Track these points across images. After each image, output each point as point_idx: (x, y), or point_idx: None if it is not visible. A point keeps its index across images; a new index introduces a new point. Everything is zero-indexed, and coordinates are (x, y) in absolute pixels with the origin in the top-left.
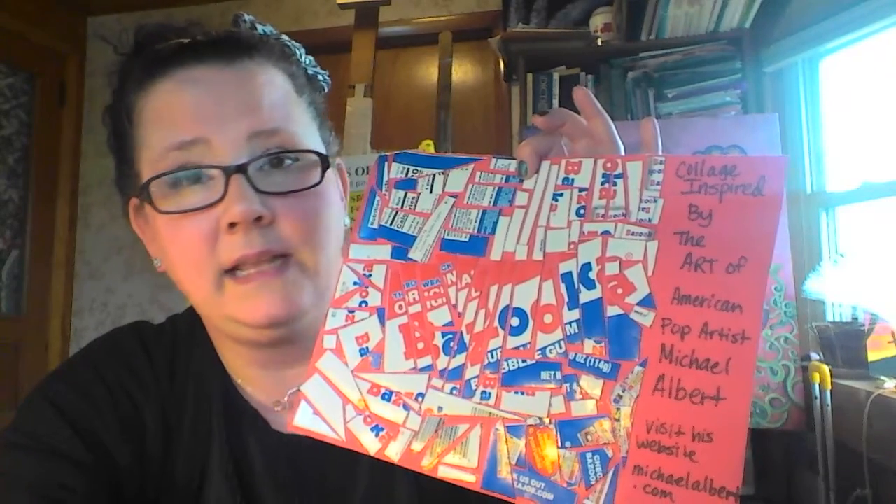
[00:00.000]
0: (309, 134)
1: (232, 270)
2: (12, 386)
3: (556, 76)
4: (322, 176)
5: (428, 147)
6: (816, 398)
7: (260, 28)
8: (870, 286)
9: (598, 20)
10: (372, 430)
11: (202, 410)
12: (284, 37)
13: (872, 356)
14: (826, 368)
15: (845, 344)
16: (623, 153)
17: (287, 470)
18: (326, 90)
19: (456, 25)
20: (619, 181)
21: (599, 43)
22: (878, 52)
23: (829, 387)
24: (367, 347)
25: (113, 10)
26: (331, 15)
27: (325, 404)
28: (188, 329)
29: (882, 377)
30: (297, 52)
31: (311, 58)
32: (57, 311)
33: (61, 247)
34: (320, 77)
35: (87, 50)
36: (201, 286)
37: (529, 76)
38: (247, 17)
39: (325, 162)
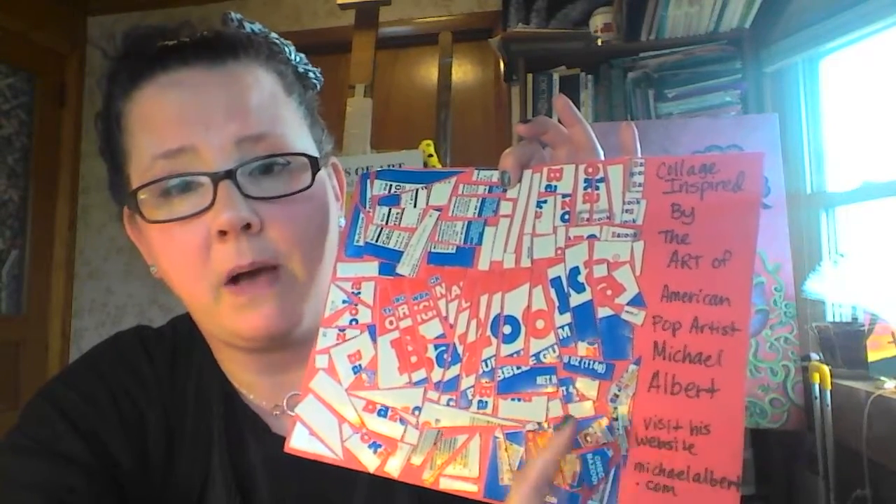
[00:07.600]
0: (299, 135)
1: (229, 281)
2: (12, 386)
3: (556, 76)
4: (312, 179)
5: (428, 147)
6: (816, 398)
7: (248, 26)
8: (870, 286)
9: (598, 20)
10: (370, 447)
11: (203, 413)
12: (273, 34)
13: (872, 356)
14: (826, 369)
15: (845, 344)
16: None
17: (287, 474)
18: (319, 88)
19: (456, 25)
20: (602, 185)
21: (599, 43)
22: (878, 52)
23: (828, 387)
24: (360, 365)
25: (113, 11)
26: (331, 15)
27: (320, 425)
28: (188, 332)
29: (882, 377)
30: (287, 49)
31: (301, 55)
32: (57, 311)
33: (61, 247)
34: (311, 74)
35: (87, 50)
36: (198, 295)
37: (529, 76)
38: (234, 16)
39: (314, 164)
